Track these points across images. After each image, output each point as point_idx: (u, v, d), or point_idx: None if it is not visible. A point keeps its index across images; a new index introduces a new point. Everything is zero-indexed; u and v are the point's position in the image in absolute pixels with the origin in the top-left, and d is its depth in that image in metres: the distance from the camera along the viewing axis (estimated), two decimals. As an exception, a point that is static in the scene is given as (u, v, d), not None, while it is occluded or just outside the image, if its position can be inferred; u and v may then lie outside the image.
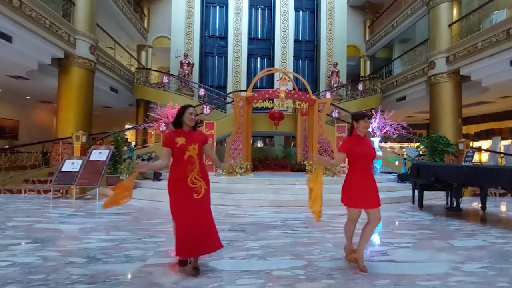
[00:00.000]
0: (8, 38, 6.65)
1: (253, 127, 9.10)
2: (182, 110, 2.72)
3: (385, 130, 8.62)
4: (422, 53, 11.65)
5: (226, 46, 13.22)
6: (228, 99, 11.51)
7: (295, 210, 5.48)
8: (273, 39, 13.38)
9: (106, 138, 9.92)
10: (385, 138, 10.54)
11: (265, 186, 6.89)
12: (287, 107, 9.05)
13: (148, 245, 3.38)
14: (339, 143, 8.39)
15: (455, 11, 10.09)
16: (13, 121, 11.86)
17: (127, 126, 15.81)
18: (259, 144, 15.66)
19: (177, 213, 2.71)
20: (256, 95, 8.14)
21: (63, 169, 6.79)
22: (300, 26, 13.84)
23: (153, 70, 14.11)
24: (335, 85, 12.63)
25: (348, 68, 14.29)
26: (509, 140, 12.68)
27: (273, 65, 13.01)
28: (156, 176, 7.58)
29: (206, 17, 13.42)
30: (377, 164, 8.60)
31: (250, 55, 13.34)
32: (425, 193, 6.03)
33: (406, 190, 7.11)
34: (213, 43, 13.44)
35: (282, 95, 8.09)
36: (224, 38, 13.32)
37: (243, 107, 7.96)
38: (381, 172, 8.81)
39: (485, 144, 13.81)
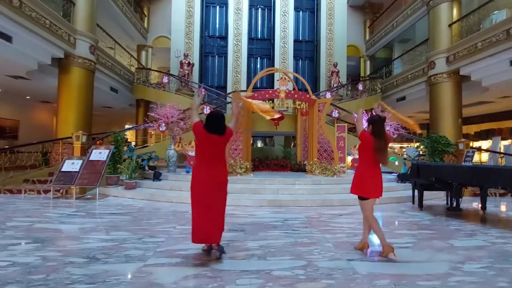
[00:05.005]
0: (8, 38, 6.65)
1: (253, 127, 9.10)
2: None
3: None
4: (422, 53, 11.65)
5: (226, 46, 13.22)
6: (228, 99, 11.51)
7: (295, 210, 5.49)
8: (273, 39, 13.38)
9: (106, 138, 9.92)
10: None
11: (265, 186, 6.89)
12: (287, 107, 9.04)
13: (148, 245, 3.38)
14: (339, 143, 8.40)
15: (455, 11, 10.09)
16: (13, 121, 11.85)
17: (127, 126, 15.83)
18: (259, 144, 15.65)
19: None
20: (256, 95, 8.14)
21: (63, 169, 6.79)
22: (300, 26, 13.84)
23: (153, 70, 14.10)
24: (335, 85, 12.63)
25: (348, 68, 14.29)
26: (509, 140, 12.67)
27: (273, 65, 13.01)
28: (156, 176, 7.59)
29: (206, 17, 13.42)
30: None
31: (250, 55, 13.34)
32: (425, 193, 6.03)
33: (406, 190, 7.12)
34: (213, 43, 13.44)
35: (282, 95, 8.08)
36: (224, 38, 13.32)
37: (243, 107, 7.94)
38: (381, 172, 8.80)
39: (485, 144, 13.81)
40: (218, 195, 3.01)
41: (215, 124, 2.98)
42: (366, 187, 3.13)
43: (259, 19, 13.63)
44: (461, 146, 8.63)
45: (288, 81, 8.73)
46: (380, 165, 3.24)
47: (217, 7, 13.47)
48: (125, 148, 8.20)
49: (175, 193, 6.46)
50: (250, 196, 6.37)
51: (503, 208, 6.36)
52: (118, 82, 11.73)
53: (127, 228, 4.14)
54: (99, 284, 2.40)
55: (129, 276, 2.58)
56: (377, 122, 3.11)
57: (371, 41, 15.78)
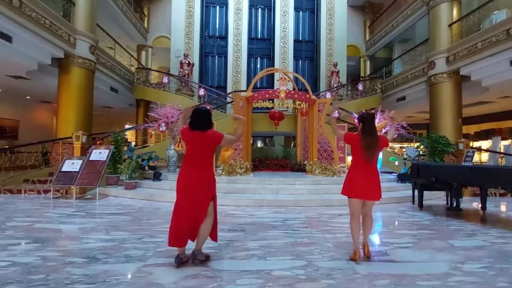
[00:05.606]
0: (8, 38, 6.65)
1: (253, 127, 9.10)
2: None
3: (385, 130, 8.61)
4: (422, 53, 11.65)
5: (226, 46, 13.22)
6: (228, 99, 11.51)
7: (295, 210, 5.49)
8: (273, 39, 13.38)
9: (106, 138, 9.91)
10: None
11: (265, 186, 6.89)
12: (287, 107, 9.04)
13: (148, 245, 3.38)
14: (339, 143, 8.40)
15: (455, 11, 10.09)
16: (13, 121, 11.85)
17: (127, 126, 15.82)
18: (259, 144, 15.65)
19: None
20: (256, 95, 8.14)
21: (63, 169, 6.79)
22: (300, 26, 13.84)
23: (153, 70, 14.11)
24: (335, 85, 12.63)
25: (348, 68, 14.29)
26: (509, 140, 12.67)
27: (273, 65, 13.01)
28: (156, 176, 7.58)
29: (206, 17, 13.42)
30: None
31: (250, 55, 13.34)
32: (425, 193, 6.03)
33: (406, 190, 7.12)
34: (213, 43, 13.44)
35: (282, 95, 8.09)
36: (224, 38, 13.32)
37: (243, 107, 7.95)
38: (381, 172, 8.81)
39: (485, 144, 13.81)
40: (198, 196, 2.85)
41: (197, 120, 2.88)
42: (352, 188, 3.00)
43: (259, 19, 13.63)
44: (461, 146, 8.63)
45: (288, 81, 8.73)
46: (379, 166, 3.21)
47: (217, 7, 13.47)
48: (125, 148, 8.19)
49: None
50: (250, 196, 6.37)
51: (503, 208, 6.36)
52: (118, 82, 11.73)
53: (127, 228, 4.14)
54: (99, 284, 2.40)
55: (129, 276, 2.58)
56: (367, 120, 3.08)
57: (371, 41, 15.78)
